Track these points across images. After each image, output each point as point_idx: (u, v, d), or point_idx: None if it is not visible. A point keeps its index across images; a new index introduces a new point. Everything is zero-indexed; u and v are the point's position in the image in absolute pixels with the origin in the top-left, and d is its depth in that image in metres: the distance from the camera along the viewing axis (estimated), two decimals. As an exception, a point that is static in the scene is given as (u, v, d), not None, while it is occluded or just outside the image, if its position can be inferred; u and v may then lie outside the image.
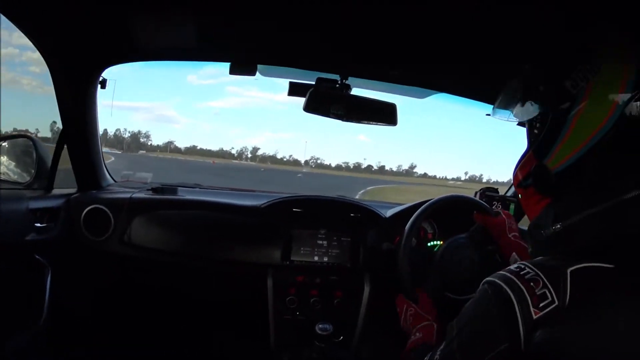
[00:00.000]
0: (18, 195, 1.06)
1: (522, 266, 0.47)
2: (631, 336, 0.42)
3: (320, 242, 1.15)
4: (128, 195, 1.18)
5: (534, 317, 0.43)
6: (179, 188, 1.30)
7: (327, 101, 1.06)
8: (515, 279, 0.46)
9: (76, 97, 1.14)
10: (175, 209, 1.18)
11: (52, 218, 1.11)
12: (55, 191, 1.18)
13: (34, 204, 1.07)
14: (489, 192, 1.24)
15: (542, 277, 0.44)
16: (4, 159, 1.18)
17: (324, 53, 1.08)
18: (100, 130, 1.23)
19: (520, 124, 0.65)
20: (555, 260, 0.47)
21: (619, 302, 0.43)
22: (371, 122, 1.10)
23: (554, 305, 0.43)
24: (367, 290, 1.13)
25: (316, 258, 1.15)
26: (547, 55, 0.59)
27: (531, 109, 0.58)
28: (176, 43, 1.09)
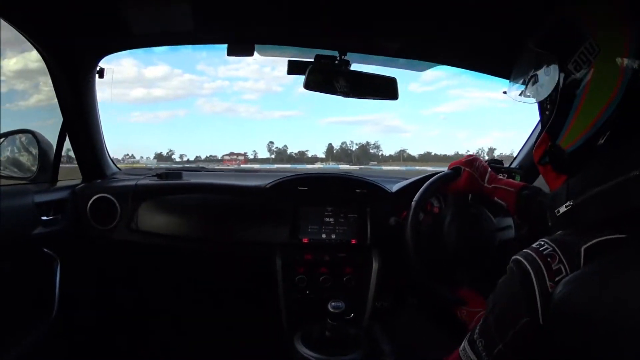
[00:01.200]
0: (23, 190, 1.06)
1: (542, 242, 0.50)
2: None
3: (327, 219, 1.15)
4: (133, 182, 1.18)
5: (550, 290, 0.46)
6: (184, 172, 1.30)
7: (327, 78, 1.05)
8: (534, 254, 0.49)
9: (74, 87, 1.14)
10: (180, 193, 1.18)
11: (59, 210, 1.11)
12: (60, 183, 1.18)
13: (40, 198, 1.06)
14: (494, 163, 1.22)
15: (559, 252, 0.48)
16: (7, 154, 1.18)
17: (321, 29, 1.06)
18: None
19: None
20: (572, 235, 0.50)
21: (632, 262, 0.44)
22: (372, 97, 1.09)
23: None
24: (375, 266, 1.13)
25: (324, 236, 1.14)
26: (547, 32, 0.60)
27: (541, 90, 0.59)
28: (172, 27, 1.08)
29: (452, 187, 0.93)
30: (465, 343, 0.57)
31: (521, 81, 0.65)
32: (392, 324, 1.10)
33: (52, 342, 1.10)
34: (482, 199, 0.96)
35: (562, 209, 0.52)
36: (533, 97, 0.62)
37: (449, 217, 0.95)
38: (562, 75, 0.55)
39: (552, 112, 0.57)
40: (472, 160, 0.91)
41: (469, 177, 0.89)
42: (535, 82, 0.61)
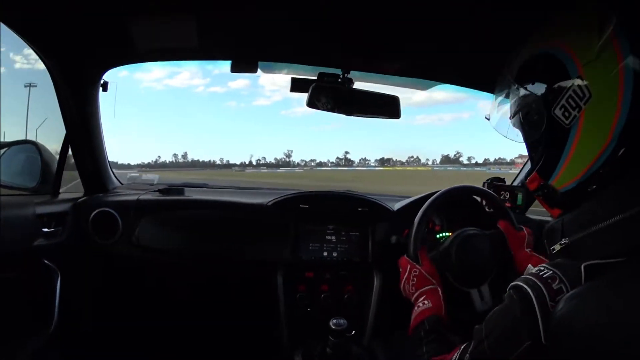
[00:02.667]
0: (24, 201, 1.07)
1: (542, 268, 0.50)
2: None
3: (328, 237, 1.15)
4: (135, 197, 1.18)
5: (550, 309, 0.46)
6: (186, 188, 1.30)
7: (329, 96, 1.06)
8: (534, 278, 0.49)
9: (78, 100, 1.14)
10: (182, 209, 1.18)
11: (60, 222, 1.11)
12: (62, 196, 1.18)
13: (41, 209, 1.07)
14: (497, 181, 1.23)
15: (559, 274, 0.47)
16: (9, 165, 1.18)
17: (324, 48, 1.07)
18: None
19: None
20: (572, 259, 0.50)
21: (633, 278, 0.44)
22: (374, 116, 1.09)
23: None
24: (377, 284, 1.13)
25: (325, 254, 1.14)
26: (527, 68, 0.57)
27: (528, 132, 0.58)
28: (176, 43, 1.08)
29: (510, 230, 0.97)
30: None
31: (507, 118, 0.62)
32: (393, 343, 1.10)
33: (51, 353, 1.10)
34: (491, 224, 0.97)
35: (557, 247, 0.52)
36: (519, 136, 0.61)
37: (476, 234, 0.95)
38: (549, 119, 0.52)
39: (542, 154, 0.56)
40: (531, 234, 0.98)
41: (524, 237, 0.96)
42: (520, 120, 0.58)
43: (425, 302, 0.78)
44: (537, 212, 1.33)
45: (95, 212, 1.14)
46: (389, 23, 0.93)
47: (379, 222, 1.16)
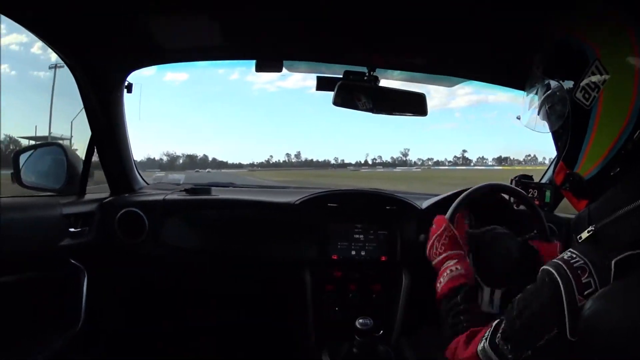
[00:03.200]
0: (51, 202, 1.08)
1: (574, 255, 0.49)
2: None
3: (356, 236, 1.14)
4: (161, 197, 1.19)
5: (579, 304, 0.45)
6: (213, 188, 1.30)
7: (355, 94, 1.05)
8: (564, 266, 0.49)
9: (103, 102, 1.15)
10: (209, 209, 1.18)
11: (86, 223, 1.12)
12: (88, 196, 1.19)
13: (68, 210, 1.08)
14: (524, 179, 1.21)
15: (589, 265, 0.47)
16: (36, 167, 1.19)
17: (350, 45, 1.06)
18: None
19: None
20: (602, 249, 0.49)
21: None
22: (401, 114, 1.08)
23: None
24: (405, 283, 1.12)
25: (353, 253, 1.14)
26: (550, 58, 0.60)
27: (552, 120, 0.60)
28: (201, 43, 1.09)
29: (542, 245, 0.93)
30: (484, 344, 0.56)
31: (534, 111, 0.65)
32: (421, 341, 1.08)
33: (78, 351, 1.11)
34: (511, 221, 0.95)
35: (585, 235, 0.52)
36: (546, 126, 0.62)
37: (505, 234, 0.93)
38: (572, 103, 0.54)
39: (567, 141, 0.57)
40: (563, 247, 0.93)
41: (556, 250, 0.90)
42: (547, 111, 0.60)
43: (458, 267, 0.74)
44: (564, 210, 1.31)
45: (121, 212, 1.14)
46: (415, 19, 0.92)
47: (406, 221, 1.16)
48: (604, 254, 0.47)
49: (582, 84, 0.53)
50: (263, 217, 1.18)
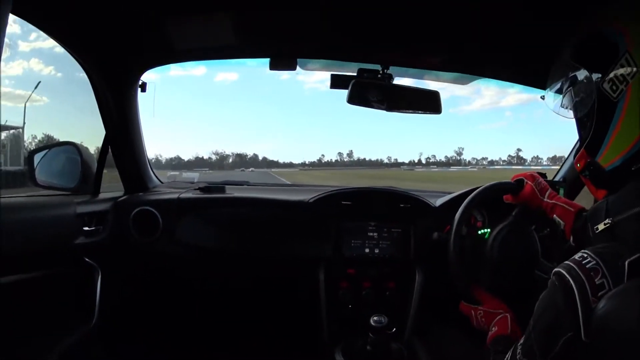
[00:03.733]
0: (65, 201, 1.09)
1: (585, 255, 0.49)
2: None
3: (370, 234, 1.14)
4: (176, 196, 1.19)
5: (592, 305, 0.45)
6: (227, 186, 1.30)
7: (370, 92, 1.05)
8: (577, 268, 0.48)
9: (117, 101, 1.15)
10: (223, 207, 1.19)
11: (100, 221, 1.13)
12: (102, 195, 1.20)
13: (82, 209, 1.09)
14: (537, 176, 1.20)
15: (602, 266, 0.46)
16: (50, 166, 1.20)
17: (364, 42, 1.06)
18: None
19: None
20: (616, 248, 0.48)
21: None
22: (416, 112, 1.08)
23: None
24: (419, 280, 1.12)
25: (367, 250, 1.14)
26: (582, 45, 0.59)
27: (579, 107, 0.59)
28: (215, 42, 1.09)
29: (513, 198, 0.93)
30: None
31: (560, 95, 0.64)
32: (434, 339, 1.08)
33: (92, 348, 1.12)
34: (529, 215, 0.94)
35: (601, 227, 0.52)
36: (570, 112, 0.62)
37: (494, 232, 0.93)
38: (599, 93, 0.54)
39: (590, 129, 0.57)
40: (534, 176, 0.92)
41: (531, 190, 0.89)
42: (572, 96, 0.60)
43: (494, 328, 0.80)
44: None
45: (135, 210, 1.15)
46: (429, 16, 0.92)
47: (420, 218, 1.16)
48: (617, 253, 0.47)
49: (611, 75, 0.52)
50: (277, 215, 1.18)
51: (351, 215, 1.15)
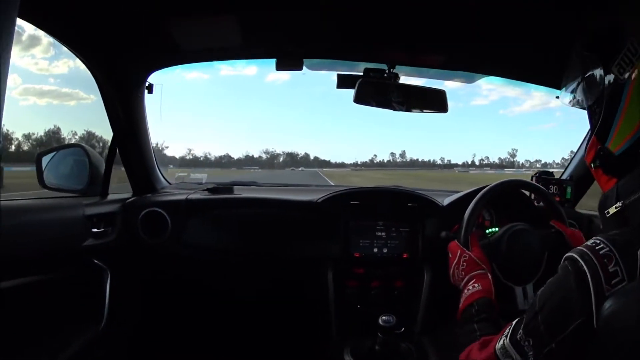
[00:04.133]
0: (73, 203, 1.09)
1: (598, 241, 0.48)
2: None
3: (379, 233, 1.14)
4: (184, 197, 1.19)
5: (605, 293, 0.44)
6: (235, 186, 1.30)
7: (376, 91, 1.05)
8: (590, 253, 0.47)
9: (124, 103, 1.16)
10: (232, 208, 1.19)
11: (109, 223, 1.13)
12: (111, 197, 1.21)
13: (90, 211, 1.09)
14: (545, 175, 1.20)
15: (616, 253, 0.46)
16: (59, 168, 1.21)
17: (370, 43, 1.06)
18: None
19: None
20: (629, 235, 0.48)
21: None
22: (422, 110, 1.08)
23: (624, 284, 0.44)
24: (427, 280, 1.12)
25: (375, 250, 1.14)
26: (593, 35, 0.61)
27: (588, 94, 0.60)
28: (221, 42, 1.09)
29: (567, 230, 0.94)
30: (505, 341, 0.56)
31: (572, 87, 0.65)
32: (444, 339, 1.08)
33: (101, 349, 1.12)
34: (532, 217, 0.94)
35: (612, 210, 0.52)
36: (582, 101, 0.63)
37: (504, 228, 0.94)
38: (608, 78, 0.55)
39: (600, 115, 0.57)
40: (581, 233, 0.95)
41: (580, 235, 0.92)
42: (584, 87, 0.61)
43: (475, 285, 0.77)
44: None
45: (144, 212, 1.15)
46: (433, 15, 0.92)
47: (428, 218, 1.16)
48: (629, 241, 0.46)
49: (618, 60, 0.53)
50: (285, 215, 1.19)
51: (359, 214, 1.15)
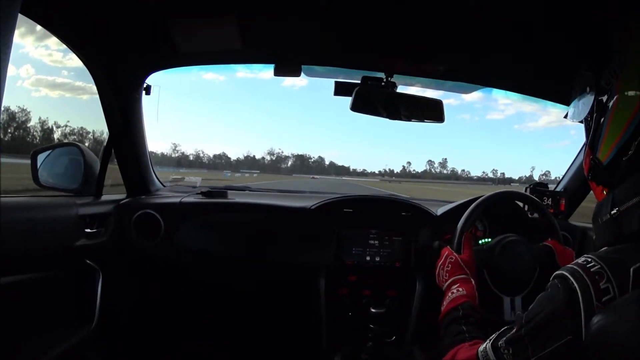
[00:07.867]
0: (67, 202, 1.08)
1: (589, 259, 0.48)
2: None
3: (371, 242, 1.14)
4: (178, 200, 1.19)
5: (596, 311, 0.44)
6: (229, 191, 1.30)
7: (373, 100, 1.05)
8: (581, 271, 0.47)
9: (121, 104, 1.16)
10: (225, 212, 1.19)
11: (102, 223, 1.13)
12: (105, 197, 1.20)
13: (84, 210, 1.08)
14: (539, 187, 1.21)
15: (607, 271, 0.45)
16: (53, 167, 1.20)
17: (368, 51, 1.06)
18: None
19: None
20: (620, 253, 0.48)
21: None
22: (419, 120, 1.08)
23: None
24: (419, 289, 1.12)
25: (368, 258, 1.14)
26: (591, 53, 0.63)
27: (583, 107, 0.61)
28: (220, 46, 1.09)
29: (558, 247, 0.94)
30: (487, 345, 0.56)
31: (572, 102, 0.66)
32: (435, 348, 1.08)
33: (92, 349, 1.12)
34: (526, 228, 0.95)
35: (606, 217, 0.52)
36: (578, 115, 0.63)
37: (497, 238, 0.94)
38: (597, 91, 0.57)
39: (591, 125, 0.59)
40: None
41: (572, 255, 0.93)
42: (579, 101, 0.63)
43: (460, 289, 0.77)
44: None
45: (137, 213, 1.15)
46: (431, 26, 0.92)
47: (421, 227, 1.16)
48: (621, 259, 0.46)
49: (606, 73, 0.55)
50: (278, 221, 1.19)
51: (352, 222, 1.15)
